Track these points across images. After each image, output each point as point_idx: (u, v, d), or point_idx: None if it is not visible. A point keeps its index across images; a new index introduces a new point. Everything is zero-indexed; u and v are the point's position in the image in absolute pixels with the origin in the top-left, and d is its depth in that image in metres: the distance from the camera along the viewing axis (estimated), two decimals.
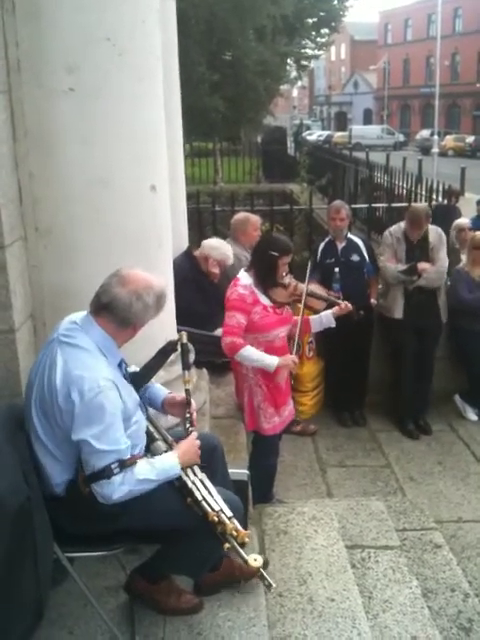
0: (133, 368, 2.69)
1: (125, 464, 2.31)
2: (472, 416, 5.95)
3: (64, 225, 2.99)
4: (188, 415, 2.66)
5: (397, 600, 3.24)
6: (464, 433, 5.72)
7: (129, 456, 2.34)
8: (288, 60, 26.62)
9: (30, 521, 2.21)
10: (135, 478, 2.33)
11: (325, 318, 4.03)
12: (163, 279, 2.67)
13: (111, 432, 2.29)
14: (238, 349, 3.71)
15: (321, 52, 33.43)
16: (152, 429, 2.64)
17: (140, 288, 2.41)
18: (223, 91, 20.79)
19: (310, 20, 27.35)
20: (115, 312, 2.39)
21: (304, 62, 29.84)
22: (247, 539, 2.41)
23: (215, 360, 4.46)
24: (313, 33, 28.43)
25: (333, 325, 4.03)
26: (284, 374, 4.06)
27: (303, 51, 28.87)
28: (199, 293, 4.84)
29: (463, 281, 5.75)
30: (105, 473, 2.27)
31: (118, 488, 2.29)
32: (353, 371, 5.77)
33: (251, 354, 3.75)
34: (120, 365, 2.50)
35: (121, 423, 2.35)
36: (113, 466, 2.28)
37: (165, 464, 2.43)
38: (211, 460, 2.72)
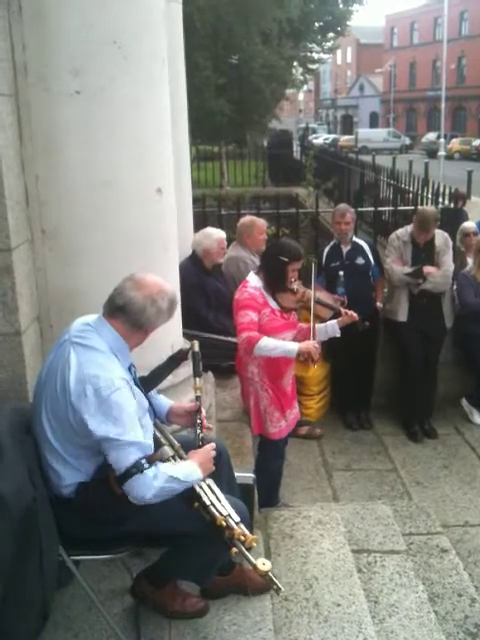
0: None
1: (151, 459, 2.31)
2: (478, 420, 5.93)
3: (70, 228, 3.00)
4: (199, 421, 2.67)
5: (403, 605, 3.22)
6: (470, 437, 5.70)
7: (151, 452, 2.34)
8: (294, 64, 26.63)
9: (35, 522, 2.21)
10: (166, 474, 2.32)
11: (330, 328, 4.00)
12: (170, 284, 2.67)
13: (132, 427, 2.30)
14: (256, 342, 3.64)
15: (327, 56, 33.44)
16: (158, 434, 2.64)
17: (154, 293, 2.43)
18: (229, 95, 20.81)
19: (316, 24, 27.37)
20: (129, 315, 2.41)
21: (310, 66, 29.84)
22: (254, 544, 2.41)
23: (220, 363, 4.46)
24: (319, 37, 28.43)
25: (338, 334, 3.99)
26: (290, 378, 4.05)
27: (309, 55, 28.89)
28: (204, 297, 4.85)
29: (469, 285, 5.73)
30: (136, 468, 2.27)
31: (151, 483, 2.28)
32: (359, 375, 5.76)
33: (269, 344, 3.67)
34: (130, 369, 2.51)
35: (138, 421, 2.35)
36: (142, 461, 2.28)
37: (187, 469, 2.42)
38: (217, 465, 2.71)
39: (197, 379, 2.75)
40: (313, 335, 3.82)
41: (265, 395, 3.94)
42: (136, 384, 2.52)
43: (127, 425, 2.28)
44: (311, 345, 3.70)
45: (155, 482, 2.29)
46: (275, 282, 3.82)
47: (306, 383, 5.71)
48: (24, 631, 2.27)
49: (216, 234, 5.00)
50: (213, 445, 2.60)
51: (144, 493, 2.28)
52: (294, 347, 3.70)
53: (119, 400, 2.28)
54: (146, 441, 2.34)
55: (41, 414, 2.40)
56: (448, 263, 5.48)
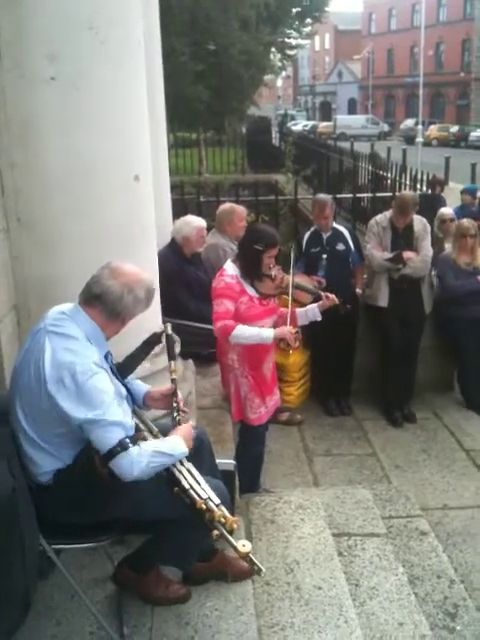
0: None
1: (135, 438, 2.31)
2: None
3: (47, 215, 2.97)
4: (175, 405, 2.67)
5: (383, 587, 3.26)
6: (449, 421, 5.75)
7: (134, 431, 2.34)
8: (272, 50, 26.52)
9: (16, 513, 2.20)
10: (150, 450, 2.33)
11: (311, 312, 4.01)
12: (149, 271, 2.66)
13: (113, 409, 2.29)
14: (230, 330, 3.65)
15: (305, 42, 33.34)
16: (137, 421, 2.64)
17: (132, 281, 2.42)
18: (207, 81, 20.70)
19: (294, 10, 27.25)
20: (106, 303, 2.40)
21: (288, 52, 29.72)
22: (235, 525, 2.42)
23: (201, 351, 4.46)
24: (297, 23, 28.33)
25: (319, 318, 4.01)
26: (270, 364, 4.06)
27: (287, 41, 28.77)
28: (183, 285, 4.83)
29: (449, 269, 5.77)
30: (120, 446, 2.26)
31: (137, 460, 2.28)
32: (339, 360, 5.78)
33: (244, 332, 3.68)
34: (106, 357, 2.49)
35: (117, 403, 2.35)
36: (126, 440, 2.27)
37: (172, 443, 2.44)
38: (198, 452, 2.72)
39: (172, 362, 2.75)
40: (290, 320, 3.82)
41: (245, 382, 3.95)
42: (113, 372, 2.51)
43: (107, 406, 2.28)
44: (286, 331, 3.71)
45: (141, 458, 2.29)
46: (252, 270, 3.80)
47: (286, 370, 5.73)
48: (6, 622, 2.27)
49: (196, 222, 4.97)
50: (192, 423, 2.61)
51: (131, 470, 2.28)
52: (270, 334, 3.71)
53: (97, 384, 2.28)
54: (128, 421, 2.34)
55: (16, 403, 2.39)
56: (427, 248, 5.51)
